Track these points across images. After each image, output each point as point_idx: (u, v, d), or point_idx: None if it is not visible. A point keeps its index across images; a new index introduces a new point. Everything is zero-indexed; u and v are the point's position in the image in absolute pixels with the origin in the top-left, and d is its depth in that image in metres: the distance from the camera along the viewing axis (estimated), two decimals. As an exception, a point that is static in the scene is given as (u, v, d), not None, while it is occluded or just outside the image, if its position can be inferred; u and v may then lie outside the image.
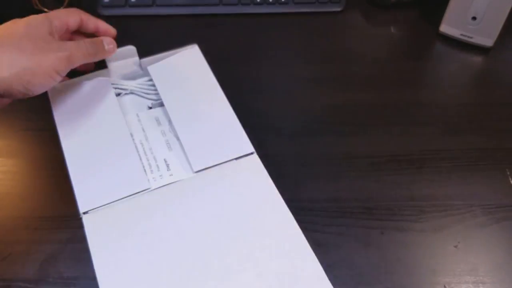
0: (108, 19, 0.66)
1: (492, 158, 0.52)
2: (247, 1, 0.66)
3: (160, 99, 0.50)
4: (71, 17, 0.49)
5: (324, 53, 0.62)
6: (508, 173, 0.51)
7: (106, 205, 0.43)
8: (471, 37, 0.62)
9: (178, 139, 0.48)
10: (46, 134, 0.51)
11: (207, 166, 0.45)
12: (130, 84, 0.52)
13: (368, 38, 0.64)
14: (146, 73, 0.53)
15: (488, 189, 0.50)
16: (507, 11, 0.57)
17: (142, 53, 0.62)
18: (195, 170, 0.45)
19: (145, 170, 0.45)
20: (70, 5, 0.64)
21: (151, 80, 0.52)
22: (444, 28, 0.63)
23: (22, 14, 0.66)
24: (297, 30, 0.65)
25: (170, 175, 0.45)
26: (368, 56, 0.62)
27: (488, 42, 0.61)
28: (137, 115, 0.50)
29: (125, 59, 0.52)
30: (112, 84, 0.51)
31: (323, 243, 0.46)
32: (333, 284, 0.43)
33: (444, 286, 0.44)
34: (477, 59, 0.62)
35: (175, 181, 0.45)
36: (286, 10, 0.66)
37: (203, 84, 0.51)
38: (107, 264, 0.40)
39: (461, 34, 0.62)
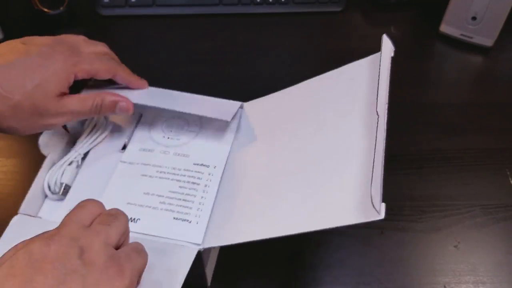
0: (108, 19, 0.66)
1: (492, 158, 0.52)
2: (247, 1, 0.66)
3: (112, 133, 0.46)
4: (103, 72, 0.41)
5: (324, 53, 0.62)
6: (508, 173, 0.51)
7: None
8: (471, 37, 0.62)
9: (188, 130, 0.46)
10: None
11: (234, 112, 0.45)
12: (77, 150, 0.44)
13: (368, 38, 0.64)
14: (77, 133, 0.46)
15: (488, 189, 0.50)
16: (507, 11, 0.57)
17: (142, 53, 0.62)
18: (229, 120, 0.44)
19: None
20: (70, 5, 0.64)
21: (87, 130, 0.46)
22: (444, 28, 0.63)
23: (22, 14, 0.67)
24: (297, 30, 0.65)
25: (226, 144, 0.45)
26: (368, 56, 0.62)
27: (488, 42, 0.61)
28: (124, 162, 0.44)
29: (54, 136, 0.45)
30: (62, 164, 0.44)
31: (323, 243, 0.46)
32: (333, 284, 0.43)
33: (444, 286, 0.44)
34: (477, 59, 0.62)
35: (232, 143, 0.45)
36: (286, 10, 0.66)
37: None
38: None
39: (461, 34, 0.62)
